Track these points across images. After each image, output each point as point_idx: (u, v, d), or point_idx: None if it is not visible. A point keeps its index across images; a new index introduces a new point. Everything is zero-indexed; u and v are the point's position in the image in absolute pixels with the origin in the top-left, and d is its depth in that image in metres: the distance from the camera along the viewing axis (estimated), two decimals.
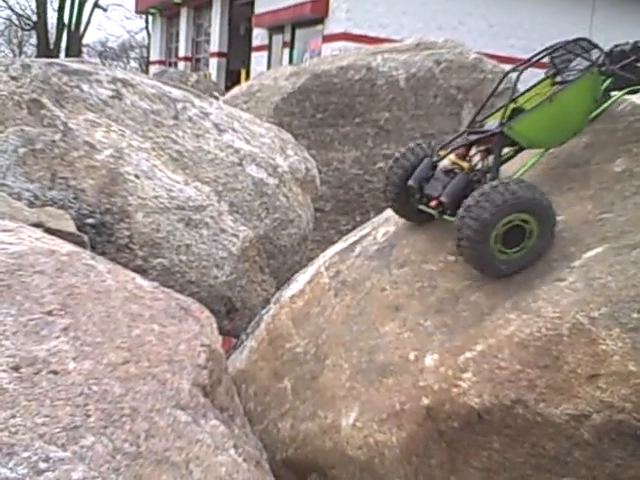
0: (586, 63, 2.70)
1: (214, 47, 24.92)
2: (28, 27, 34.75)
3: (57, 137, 3.53)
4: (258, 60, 21.68)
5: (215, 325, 2.68)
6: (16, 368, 1.80)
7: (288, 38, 20.20)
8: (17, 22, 35.68)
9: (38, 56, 26.96)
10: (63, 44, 31.86)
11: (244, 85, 7.72)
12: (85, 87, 3.85)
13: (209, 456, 1.94)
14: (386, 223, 3.15)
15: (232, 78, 22.51)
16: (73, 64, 4.04)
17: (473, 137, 2.66)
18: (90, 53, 38.26)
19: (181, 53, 28.28)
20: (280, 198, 4.17)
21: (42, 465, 1.64)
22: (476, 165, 2.65)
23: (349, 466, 2.47)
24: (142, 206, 3.48)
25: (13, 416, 1.69)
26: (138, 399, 1.80)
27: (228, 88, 14.02)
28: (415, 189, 2.67)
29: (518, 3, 18.18)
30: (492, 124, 2.66)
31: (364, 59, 7.00)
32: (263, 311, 3.31)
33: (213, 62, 24.98)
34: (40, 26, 30.93)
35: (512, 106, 2.68)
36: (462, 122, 7.00)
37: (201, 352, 2.24)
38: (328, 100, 6.75)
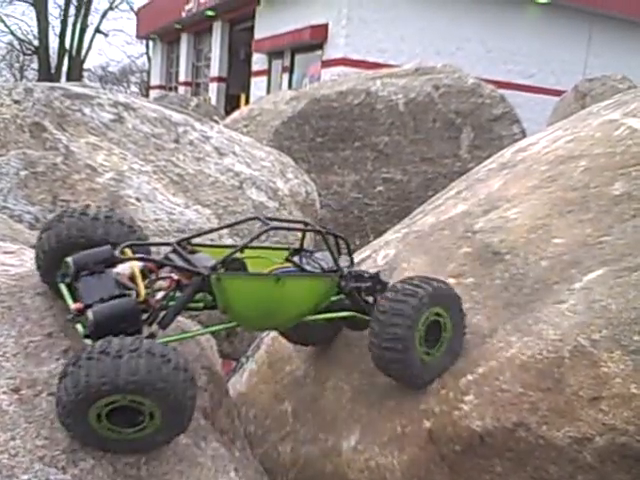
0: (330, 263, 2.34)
1: (214, 72, 25.11)
2: (30, 52, 35.01)
3: (59, 160, 3.55)
4: (258, 85, 21.83)
5: (215, 348, 2.68)
6: (16, 390, 1.80)
7: (287, 63, 20.36)
8: (19, 47, 35.97)
9: (39, 80, 27.09)
10: (64, 69, 32.10)
11: (244, 109, 7.77)
12: (87, 111, 3.88)
13: (210, 479, 1.93)
14: (386, 246, 3.16)
15: (232, 102, 22.65)
16: (75, 88, 4.08)
17: (172, 259, 2.10)
18: (91, 78, 38.53)
19: (181, 78, 28.49)
20: None
21: None
22: (157, 291, 2.02)
23: None
24: (143, 229, 3.48)
25: (13, 438, 1.69)
26: None
27: (228, 112, 14.11)
28: (69, 268, 1.97)
29: (515, 29, 18.38)
30: (203, 258, 2.13)
31: (363, 84, 7.05)
32: (263, 334, 3.30)
33: (213, 87, 25.15)
34: (42, 51, 31.16)
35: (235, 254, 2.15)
36: (461, 146, 7.04)
37: (201, 374, 2.24)
38: (328, 124, 6.80)
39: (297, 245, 2.50)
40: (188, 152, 4.09)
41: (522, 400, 2.10)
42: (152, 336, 1.88)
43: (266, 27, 20.62)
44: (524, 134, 6.99)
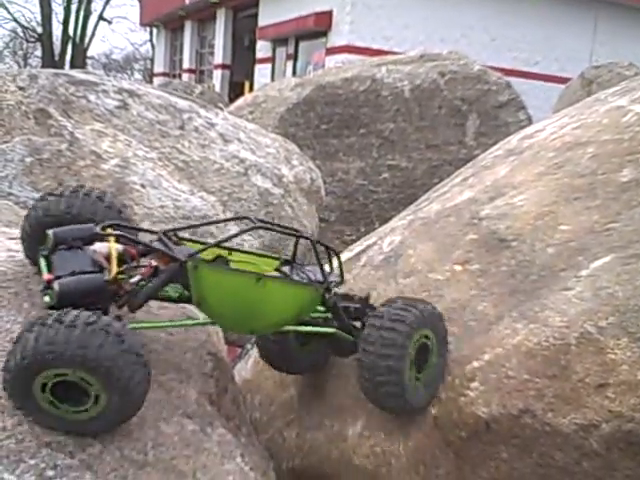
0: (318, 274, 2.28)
1: (218, 59, 25.03)
2: (33, 39, 34.98)
3: (64, 147, 3.55)
4: (262, 72, 21.76)
5: (221, 334, 2.68)
6: None
7: (292, 50, 20.27)
8: (22, 34, 35.94)
9: (43, 68, 27.09)
10: (68, 56, 32.05)
11: (249, 96, 7.75)
12: (92, 97, 3.87)
13: (216, 465, 1.94)
14: (392, 233, 3.15)
15: (235, 90, 22.59)
16: (80, 75, 4.07)
17: (154, 244, 2.03)
18: (94, 65, 38.48)
19: (185, 65, 28.41)
20: (285, 208, 4.17)
21: (49, 473, 1.63)
22: (133, 275, 1.94)
23: (356, 475, 2.46)
24: (148, 216, 3.48)
25: (20, 423, 1.69)
26: (145, 407, 1.80)
27: (232, 100, 14.07)
28: (49, 241, 1.96)
29: (520, 16, 18.24)
30: (185, 249, 2.06)
31: (369, 70, 7.03)
32: None
33: (217, 74, 25.08)
34: (45, 38, 31.13)
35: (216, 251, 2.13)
36: (467, 133, 7.02)
37: (207, 361, 2.24)
38: (333, 111, 6.78)
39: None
40: (193, 139, 4.08)
41: (528, 387, 2.10)
42: (119, 318, 1.82)
43: (270, 14, 20.53)
44: (530, 121, 6.96)
